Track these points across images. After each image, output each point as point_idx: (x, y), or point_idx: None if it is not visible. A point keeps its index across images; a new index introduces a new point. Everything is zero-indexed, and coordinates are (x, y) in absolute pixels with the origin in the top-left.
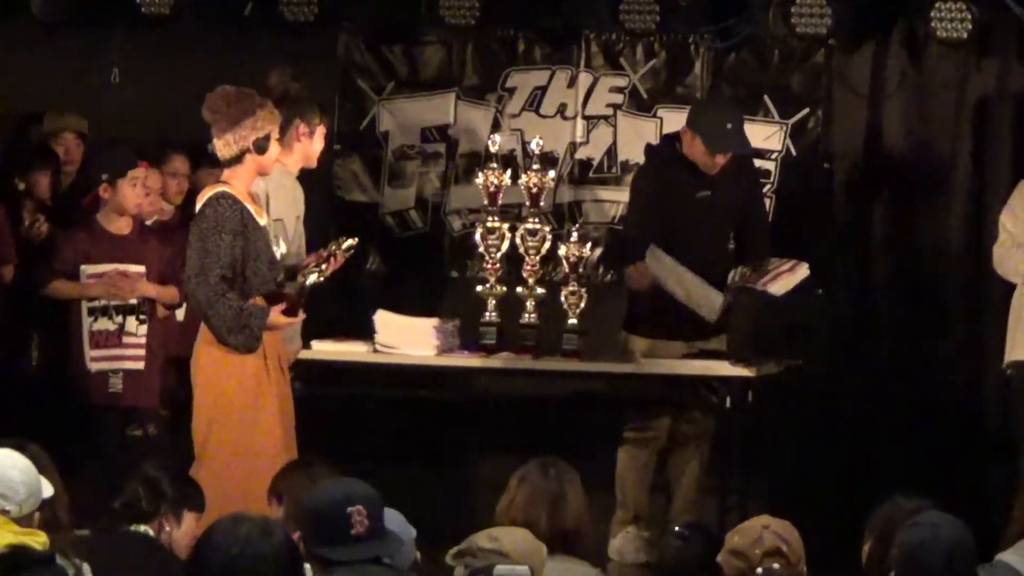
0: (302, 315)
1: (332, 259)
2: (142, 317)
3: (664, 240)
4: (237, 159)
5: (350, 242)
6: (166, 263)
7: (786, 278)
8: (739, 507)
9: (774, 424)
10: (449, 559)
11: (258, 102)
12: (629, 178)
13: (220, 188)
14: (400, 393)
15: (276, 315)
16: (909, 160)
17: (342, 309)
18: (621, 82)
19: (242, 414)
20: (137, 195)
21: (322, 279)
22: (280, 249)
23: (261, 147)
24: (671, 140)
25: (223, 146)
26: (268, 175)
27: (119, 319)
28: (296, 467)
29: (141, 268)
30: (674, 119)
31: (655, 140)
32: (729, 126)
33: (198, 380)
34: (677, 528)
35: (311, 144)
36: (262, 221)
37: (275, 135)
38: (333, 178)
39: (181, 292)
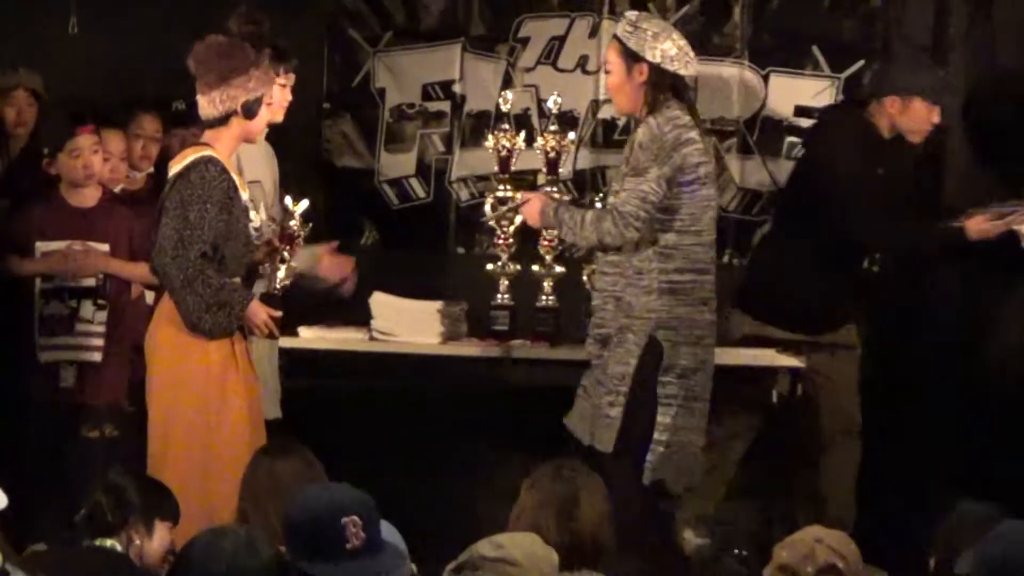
0: (279, 312)
1: (290, 239)
2: (100, 302)
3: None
4: (221, 121)
5: (302, 205)
6: (137, 238)
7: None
8: (788, 516)
9: (826, 419)
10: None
11: (253, 59)
12: None
13: (206, 151)
14: (400, 386)
15: (258, 305)
16: (978, 119)
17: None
18: None
19: (205, 407)
20: (88, 164)
21: (295, 267)
22: (258, 217)
23: (250, 110)
24: (850, 109)
25: (207, 104)
26: (256, 140)
27: (72, 303)
28: (263, 458)
29: (104, 246)
30: (711, 74)
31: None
32: (942, 73)
33: (154, 365)
34: (737, 551)
35: None
36: (244, 195)
37: (268, 99)
38: (322, 142)
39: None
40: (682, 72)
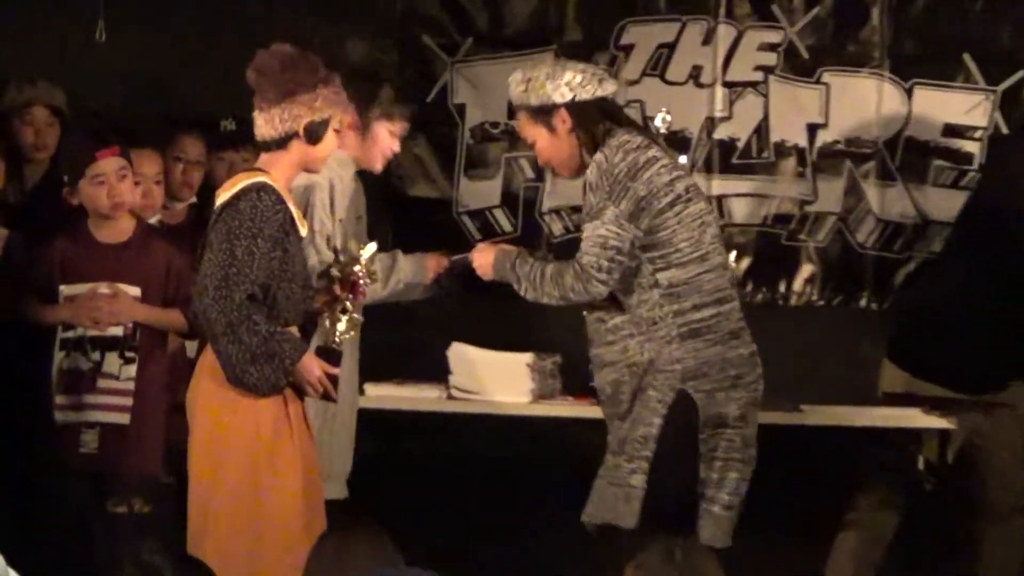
0: (337, 370)
1: (353, 287)
2: (128, 354)
3: None
4: (279, 143)
5: (369, 249)
6: (174, 279)
7: None
8: None
9: (989, 492)
10: None
11: (322, 75)
12: (785, 165)
13: (259, 178)
14: (482, 452)
15: (312, 360)
16: None
17: (405, 341)
18: (774, 37)
19: (253, 477)
20: (114, 193)
21: (358, 319)
22: (318, 256)
23: (314, 134)
24: None
25: (264, 123)
26: (318, 170)
27: (95, 356)
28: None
29: (135, 289)
30: (845, 87)
31: (819, 113)
32: None
33: (196, 427)
34: None
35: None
36: (303, 230)
37: (335, 124)
38: (392, 167)
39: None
40: (601, 93)
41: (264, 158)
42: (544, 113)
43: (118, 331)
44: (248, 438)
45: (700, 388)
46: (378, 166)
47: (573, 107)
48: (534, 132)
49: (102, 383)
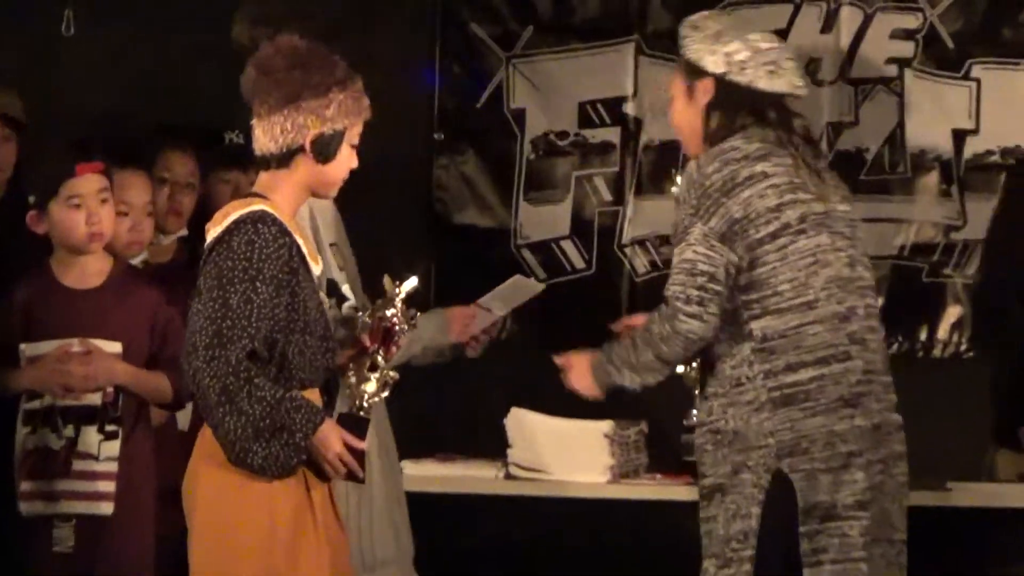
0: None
1: (387, 337)
2: (109, 428)
3: None
4: (281, 160)
5: (407, 285)
6: (160, 334)
7: None
8: None
9: None
10: None
11: (339, 77)
12: (926, 181)
13: (256, 205)
14: (551, 544)
15: (331, 430)
16: None
17: (451, 407)
18: (911, 22)
19: None
20: (95, 219)
21: (392, 376)
22: (349, 299)
23: (324, 150)
24: None
25: (263, 133)
26: (330, 195)
27: (68, 431)
28: None
29: (116, 345)
30: (1000, 83)
31: (968, 117)
32: None
33: (195, 522)
34: None
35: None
36: (316, 268)
37: (353, 138)
38: (433, 188)
39: (177, 381)
40: (763, 87)
41: (264, 179)
42: (692, 72)
43: (95, 399)
44: (262, 534)
45: (797, 467)
46: (333, 191)
47: (722, 83)
48: (676, 88)
49: (78, 465)
